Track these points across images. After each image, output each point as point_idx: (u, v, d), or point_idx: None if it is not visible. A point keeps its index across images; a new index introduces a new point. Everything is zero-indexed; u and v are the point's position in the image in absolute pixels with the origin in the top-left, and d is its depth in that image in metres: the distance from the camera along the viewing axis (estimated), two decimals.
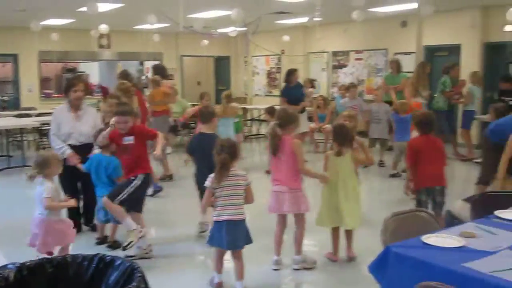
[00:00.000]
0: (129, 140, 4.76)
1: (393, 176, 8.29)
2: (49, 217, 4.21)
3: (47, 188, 4.19)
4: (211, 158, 5.11)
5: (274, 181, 4.56)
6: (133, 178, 4.72)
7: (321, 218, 4.72)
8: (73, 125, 5.41)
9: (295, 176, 4.50)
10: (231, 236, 3.90)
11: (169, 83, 8.73)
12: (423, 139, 5.10)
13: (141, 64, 16.85)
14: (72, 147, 5.37)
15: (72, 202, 4.45)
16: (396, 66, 10.47)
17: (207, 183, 3.98)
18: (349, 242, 4.79)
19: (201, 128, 5.55)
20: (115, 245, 5.15)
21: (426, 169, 4.98)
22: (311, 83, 10.71)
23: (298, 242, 4.63)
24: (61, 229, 4.31)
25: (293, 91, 9.57)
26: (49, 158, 4.31)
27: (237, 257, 4.06)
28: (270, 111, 9.09)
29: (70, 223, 4.47)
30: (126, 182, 4.75)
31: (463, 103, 9.93)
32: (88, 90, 5.76)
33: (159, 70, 8.99)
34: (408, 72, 10.58)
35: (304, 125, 9.30)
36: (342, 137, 4.64)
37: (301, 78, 11.32)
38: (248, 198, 4.04)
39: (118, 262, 2.60)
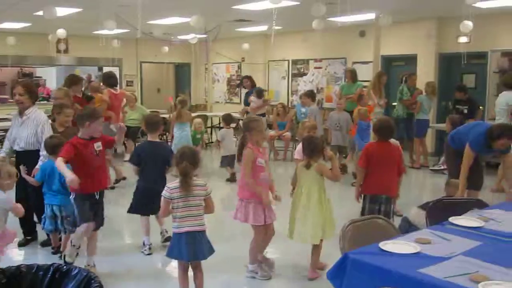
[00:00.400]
0: (99, 146, 4.55)
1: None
2: None
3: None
4: (161, 167, 5.00)
5: None
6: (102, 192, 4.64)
7: (289, 230, 4.66)
8: (17, 130, 5.27)
9: (244, 186, 4.48)
10: (191, 248, 3.79)
11: (113, 91, 8.59)
12: (379, 145, 5.14)
13: (100, 69, 16.62)
14: (17, 153, 5.26)
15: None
16: (351, 75, 10.65)
17: (165, 192, 3.82)
18: (313, 259, 4.62)
19: (149, 136, 5.46)
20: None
21: (374, 176, 5.00)
22: (257, 93, 10.74)
23: (250, 252, 4.62)
24: None
25: (246, 97, 10.04)
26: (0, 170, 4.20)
27: (197, 268, 3.97)
28: (226, 118, 9.16)
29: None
30: (97, 202, 4.58)
31: (415, 111, 10.15)
32: (32, 94, 5.40)
33: (105, 77, 8.98)
34: (366, 81, 10.77)
35: None
36: (310, 150, 4.56)
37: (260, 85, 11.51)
38: (209, 208, 3.93)
39: (75, 271, 2.57)
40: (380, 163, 4.99)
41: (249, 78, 11.47)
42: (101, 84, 9.46)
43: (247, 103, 10.92)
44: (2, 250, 4.10)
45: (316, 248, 4.59)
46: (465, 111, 9.51)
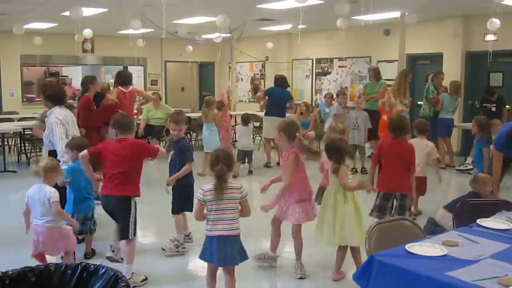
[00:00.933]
0: None
1: None
2: (55, 224, 4.20)
3: (54, 192, 4.18)
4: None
5: None
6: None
7: None
8: None
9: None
10: (222, 252, 3.72)
11: (122, 89, 8.60)
12: (390, 143, 5.14)
13: (125, 69, 16.78)
14: None
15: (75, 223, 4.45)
16: (375, 73, 10.56)
17: (198, 194, 3.77)
18: (336, 261, 4.58)
19: None
20: (92, 253, 5.11)
21: (385, 173, 5.04)
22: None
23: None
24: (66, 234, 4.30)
25: None
26: (58, 165, 4.35)
27: (229, 273, 3.88)
28: (243, 117, 9.77)
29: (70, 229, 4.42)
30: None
31: (438, 108, 10.01)
32: (46, 95, 5.28)
33: (116, 76, 9.03)
34: (391, 80, 10.67)
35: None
36: (331, 154, 4.51)
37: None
38: (245, 212, 3.85)
39: (102, 270, 2.60)
40: (392, 161, 5.03)
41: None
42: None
43: None
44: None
45: (340, 251, 4.54)
46: (493, 109, 9.39)
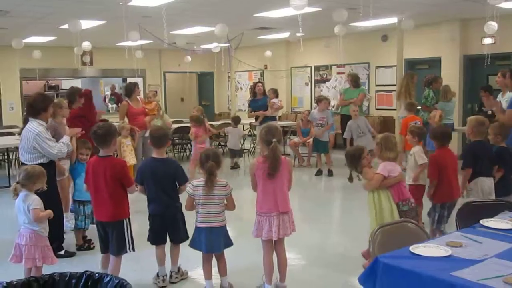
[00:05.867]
0: None
1: None
2: (38, 230, 4.19)
3: (34, 200, 4.19)
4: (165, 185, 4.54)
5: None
6: None
7: None
8: None
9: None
10: (208, 241, 4.17)
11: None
12: (442, 153, 5.26)
13: (124, 80, 16.80)
14: None
15: (51, 212, 4.31)
16: (353, 80, 10.59)
17: (188, 189, 4.19)
18: None
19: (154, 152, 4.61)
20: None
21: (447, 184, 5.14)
22: (275, 93, 10.90)
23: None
24: (47, 246, 4.28)
25: (255, 103, 10.85)
26: (38, 173, 4.29)
27: (219, 258, 4.33)
28: (234, 119, 11.22)
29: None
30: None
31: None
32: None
33: (67, 95, 7.52)
34: (390, 85, 10.69)
35: None
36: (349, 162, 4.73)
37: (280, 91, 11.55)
38: (230, 206, 4.28)
39: (107, 279, 2.60)
40: (448, 171, 5.16)
41: (262, 84, 11.51)
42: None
43: (261, 108, 10.87)
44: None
45: None
46: (490, 112, 9.35)
